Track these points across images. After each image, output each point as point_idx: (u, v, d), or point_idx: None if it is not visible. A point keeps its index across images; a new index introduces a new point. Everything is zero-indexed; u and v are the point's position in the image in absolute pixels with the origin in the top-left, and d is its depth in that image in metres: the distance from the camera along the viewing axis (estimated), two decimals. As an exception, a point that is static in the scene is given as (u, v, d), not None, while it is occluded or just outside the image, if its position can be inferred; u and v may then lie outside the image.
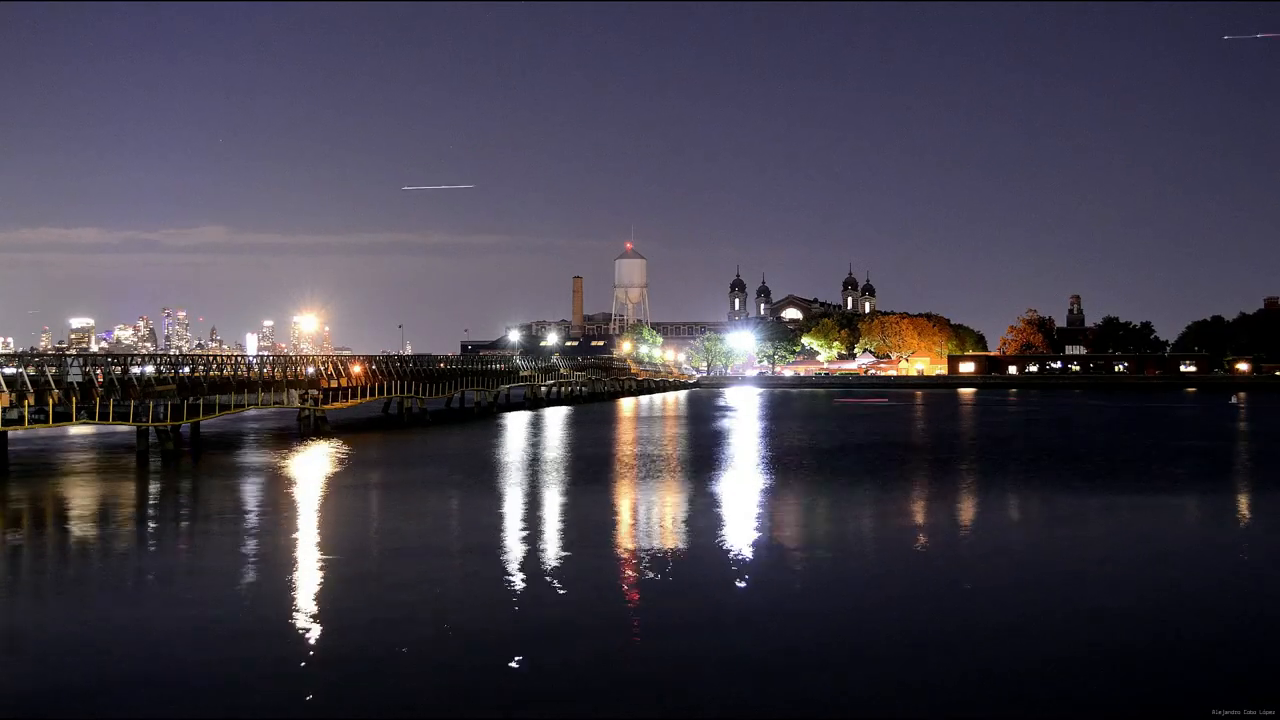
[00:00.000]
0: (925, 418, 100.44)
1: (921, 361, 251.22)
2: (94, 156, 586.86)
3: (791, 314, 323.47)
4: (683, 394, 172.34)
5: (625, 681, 17.85)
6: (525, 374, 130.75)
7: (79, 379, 59.07)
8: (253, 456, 58.47)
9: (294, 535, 32.45)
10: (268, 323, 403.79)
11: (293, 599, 23.40)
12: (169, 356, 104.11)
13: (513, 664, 18.49)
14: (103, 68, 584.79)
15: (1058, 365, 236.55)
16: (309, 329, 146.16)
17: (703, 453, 60.04)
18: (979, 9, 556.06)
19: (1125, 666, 18.45)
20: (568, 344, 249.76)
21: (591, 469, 51.43)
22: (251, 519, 35.92)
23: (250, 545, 30.74)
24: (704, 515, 35.93)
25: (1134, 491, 42.80)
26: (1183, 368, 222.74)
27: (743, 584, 25.42)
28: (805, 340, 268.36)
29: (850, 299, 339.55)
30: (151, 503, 40.87)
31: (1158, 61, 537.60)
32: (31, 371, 57.44)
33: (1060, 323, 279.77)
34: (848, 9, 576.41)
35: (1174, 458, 57.44)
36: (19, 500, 40.43)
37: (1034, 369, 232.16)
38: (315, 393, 78.76)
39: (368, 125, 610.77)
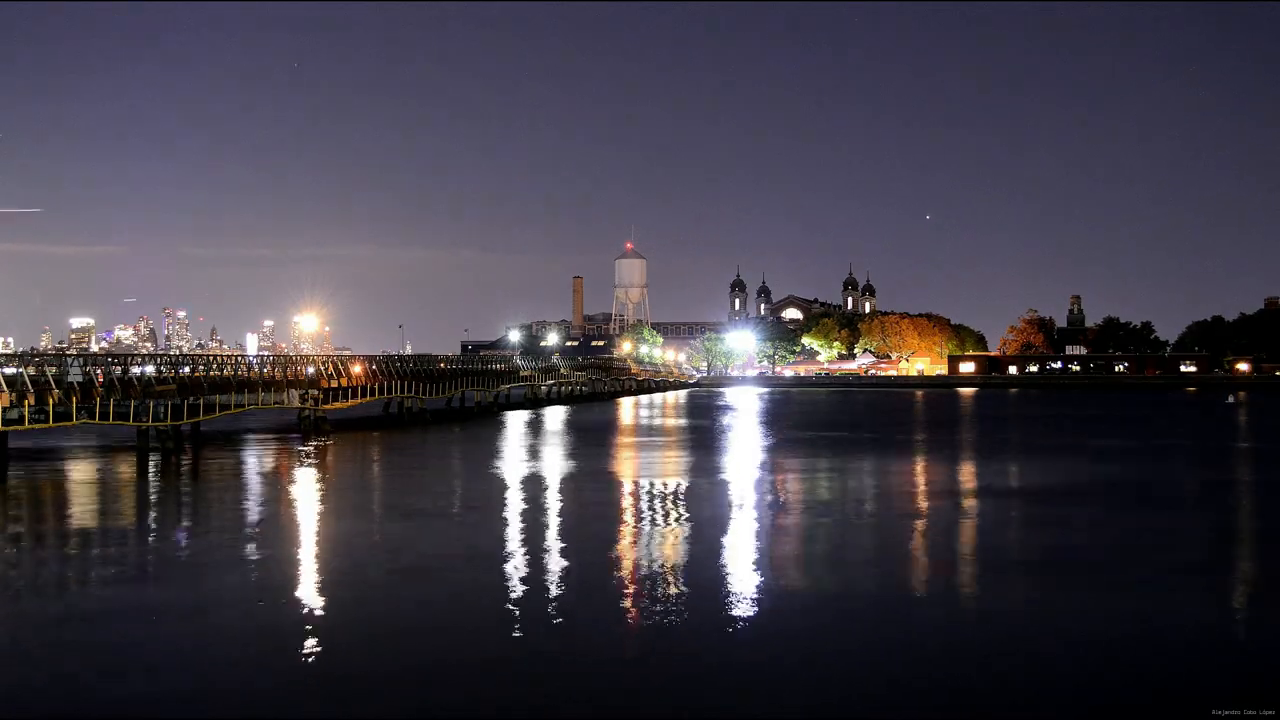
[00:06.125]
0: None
1: (922, 361, 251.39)
2: (95, 161, 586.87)
3: (792, 314, 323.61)
4: (683, 393, 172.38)
5: (625, 679, 17.88)
6: (525, 374, 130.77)
7: (79, 379, 59.07)
8: (253, 456, 58.47)
9: (294, 534, 32.47)
10: (268, 323, 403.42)
11: (292, 598, 23.38)
12: (169, 356, 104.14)
13: (513, 666, 18.50)
14: (105, 70, 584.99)
15: (1058, 365, 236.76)
16: (309, 329, 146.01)
17: (703, 446, 60.03)
18: (978, 9, 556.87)
19: (1124, 666, 18.44)
20: (568, 344, 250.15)
21: (590, 464, 51.39)
22: (252, 518, 35.90)
23: (250, 544, 30.71)
24: (704, 505, 35.94)
25: (1132, 488, 42.79)
26: (1183, 368, 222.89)
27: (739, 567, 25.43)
28: (805, 340, 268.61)
29: (850, 299, 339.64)
30: (152, 503, 40.85)
31: (1157, 62, 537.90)
32: (31, 371, 57.44)
33: (1060, 323, 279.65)
34: (848, 10, 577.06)
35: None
36: (19, 501, 40.41)
37: (1034, 369, 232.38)
38: (315, 393, 78.73)
39: (367, 128, 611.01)
